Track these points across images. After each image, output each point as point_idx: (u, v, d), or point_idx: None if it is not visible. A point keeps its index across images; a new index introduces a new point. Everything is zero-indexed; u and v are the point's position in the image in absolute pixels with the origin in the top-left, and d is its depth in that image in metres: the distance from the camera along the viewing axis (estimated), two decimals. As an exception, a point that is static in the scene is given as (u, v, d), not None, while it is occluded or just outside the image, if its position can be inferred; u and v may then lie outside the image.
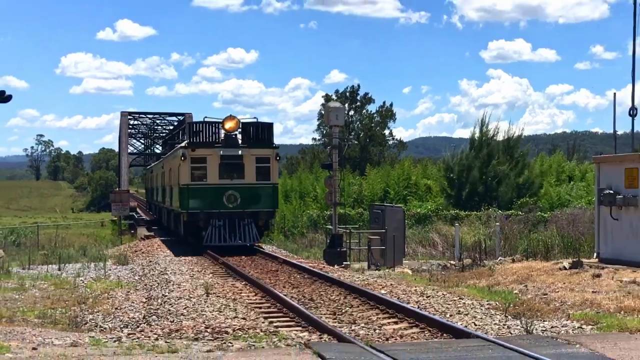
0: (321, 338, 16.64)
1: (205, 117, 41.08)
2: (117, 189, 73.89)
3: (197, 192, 39.25)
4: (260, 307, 21.71)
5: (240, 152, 39.50)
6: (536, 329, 17.07)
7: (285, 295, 22.98)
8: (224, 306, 21.32)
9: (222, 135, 39.57)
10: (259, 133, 39.91)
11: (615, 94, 50.10)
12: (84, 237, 65.55)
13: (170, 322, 19.18)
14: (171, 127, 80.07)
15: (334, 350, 14.09)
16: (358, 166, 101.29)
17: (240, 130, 39.87)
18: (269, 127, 40.62)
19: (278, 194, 44.27)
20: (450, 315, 19.54)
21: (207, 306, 21.40)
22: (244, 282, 26.77)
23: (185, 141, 41.45)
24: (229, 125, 39.20)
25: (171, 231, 50.83)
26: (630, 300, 20.53)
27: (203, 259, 35.22)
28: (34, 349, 14.07)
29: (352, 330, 17.60)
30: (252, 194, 39.57)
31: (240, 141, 39.90)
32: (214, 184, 39.12)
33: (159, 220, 64.58)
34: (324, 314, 20.29)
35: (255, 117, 41.17)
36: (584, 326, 17.50)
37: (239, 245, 38.23)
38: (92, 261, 35.51)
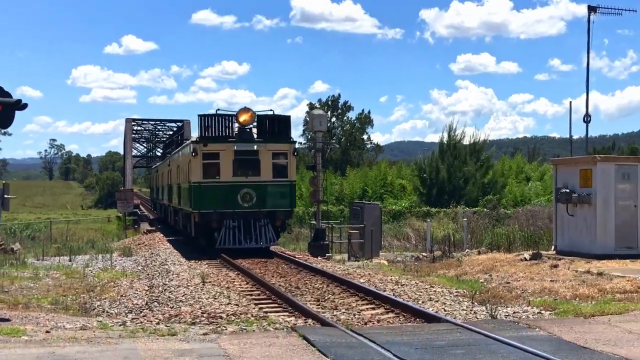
0: (306, 322, 16.64)
1: (218, 109, 35.54)
2: (122, 188, 73.54)
3: (210, 190, 33.14)
4: (251, 295, 21.68)
5: (255, 147, 33.52)
6: (500, 314, 17.07)
7: (273, 283, 23.00)
8: (218, 293, 21.28)
9: (236, 129, 33.74)
10: (275, 127, 34.00)
11: (571, 102, 50.48)
12: (93, 232, 65.43)
13: (170, 308, 19.12)
14: (171, 132, 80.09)
15: (317, 333, 14.07)
16: (339, 167, 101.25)
17: (255, 123, 34.13)
18: (285, 120, 34.78)
19: (295, 193, 38.10)
20: (423, 302, 19.53)
21: (203, 294, 21.35)
22: (236, 272, 26.73)
23: (196, 135, 34.96)
24: (243, 118, 33.39)
25: (178, 230, 45.10)
26: (584, 288, 20.54)
27: (198, 250, 34.76)
28: (47, 332, 14.07)
29: (334, 315, 17.57)
30: (269, 193, 33.65)
31: (255, 135, 34.12)
32: (227, 182, 33.19)
33: (165, 220, 57.91)
34: (309, 301, 20.27)
35: (271, 110, 35.47)
36: (543, 312, 17.50)
37: (255, 248, 32.45)
38: (99, 253, 35.41)
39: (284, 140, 34.09)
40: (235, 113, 33.53)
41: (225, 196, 32.89)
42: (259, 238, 32.75)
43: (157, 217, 69.42)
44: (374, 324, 16.69)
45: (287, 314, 18.15)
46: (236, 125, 33.62)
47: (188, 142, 36.97)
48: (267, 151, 33.61)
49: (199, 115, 33.57)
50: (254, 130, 34.14)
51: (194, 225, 34.70)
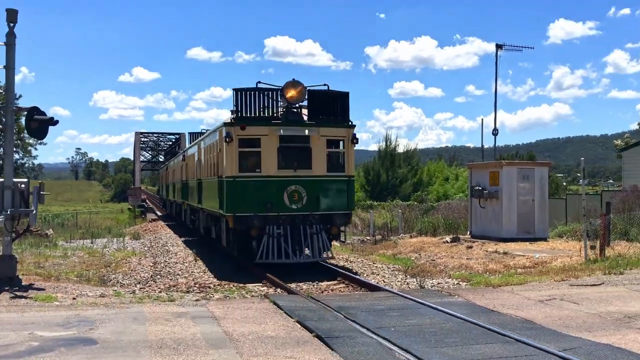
0: (276, 291, 16.58)
1: (259, 81, 20.82)
2: (133, 186, 73.22)
3: (248, 187, 20.20)
4: (233, 269, 21.56)
5: (307, 131, 20.58)
6: (427, 285, 17.12)
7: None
8: (207, 268, 21.18)
9: (281, 108, 20.74)
10: (330, 106, 20.96)
11: (482, 119, 50.79)
12: (109, 220, 64.63)
13: (170, 280, 19.04)
14: (170, 143, 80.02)
15: (284, 299, 14.06)
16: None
17: (305, 101, 20.86)
18: (343, 97, 21.30)
19: (354, 191, 23.37)
20: (367, 275, 19.54)
21: (196, 269, 21.26)
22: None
23: (231, 116, 21.23)
24: (291, 93, 20.42)
25: (191, 229, 35.44)
26: (492, 264, 20.68)
27: (192, 236, 34.47)
28: (73, 298, 14.04)
29: (298, 286, 17.53)
30: (323, 191, 20.70)
31: (305, 117, 21.03)
32: (271, 177, 20.21)
33: (175, 217, 47.50)
34: (278, 274, 20.19)
35: (325, 84, 21.24)
36: (460, 283, 17.58)
37: (305, 263, 20.35)
38: (114, 237, 35.11)
39: (342, 124, 21.23)
40: (280, 87, 20.58)
41: (268, 195, 20.19)
42: (309, 249, 20.41)
43: (165, 214, 61.73)
44: (329, 292, 16.68)
45: (260, 284, 18.07)
46: (281, 103, 20.82)
47: (218, 125, 23.00)
48: (321, 137, 20.85)
49: (233, 90, 20.55)
50: (304, 111, 21.25)
51: (226, 231, 21.94)
